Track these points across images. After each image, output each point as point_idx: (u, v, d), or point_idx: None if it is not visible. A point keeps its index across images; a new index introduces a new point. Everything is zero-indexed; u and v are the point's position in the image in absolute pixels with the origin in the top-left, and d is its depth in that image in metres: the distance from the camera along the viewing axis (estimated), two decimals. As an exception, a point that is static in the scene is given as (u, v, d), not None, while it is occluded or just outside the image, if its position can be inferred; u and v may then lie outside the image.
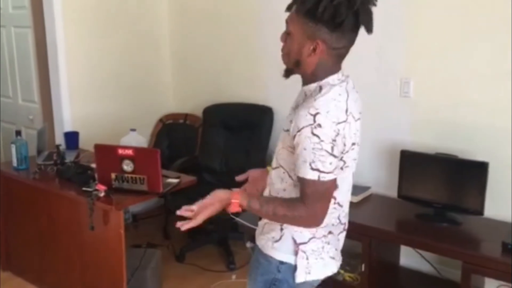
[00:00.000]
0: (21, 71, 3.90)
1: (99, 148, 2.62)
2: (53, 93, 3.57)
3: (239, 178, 1.74)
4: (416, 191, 2.81)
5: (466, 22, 2.73)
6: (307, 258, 1.51)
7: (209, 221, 3.66)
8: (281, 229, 1.52)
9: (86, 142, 3.40)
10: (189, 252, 3.46)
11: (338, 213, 1.55)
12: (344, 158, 1.45)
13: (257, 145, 3.53)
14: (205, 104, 3.81)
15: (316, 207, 1.39)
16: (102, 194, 2.55)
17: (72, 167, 2.87)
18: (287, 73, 1.54)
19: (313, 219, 1.42)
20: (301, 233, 1.50)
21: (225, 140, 3.68)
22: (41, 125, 3.52)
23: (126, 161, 2.55)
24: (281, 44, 1.51)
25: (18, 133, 3.06)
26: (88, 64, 3.66)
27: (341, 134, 1.38)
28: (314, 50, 1.42)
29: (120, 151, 2.55)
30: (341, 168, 1.45)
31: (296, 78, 1.59)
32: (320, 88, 1.45)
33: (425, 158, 2.78)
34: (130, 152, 2.54)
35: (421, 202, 2.79)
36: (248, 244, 3.44)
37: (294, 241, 1.50)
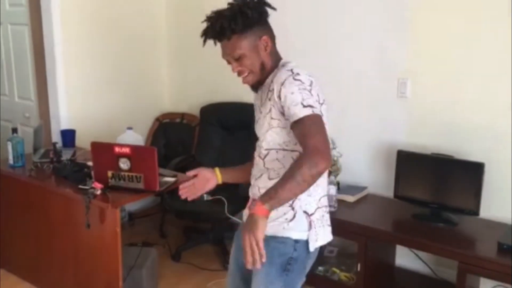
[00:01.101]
0: (17, 69, 3.89)
1: (95, 146, 2.61)
2: (50, 90, 3.56)
3: (189, 173, 1.87)
4: (412, 191, 2.82)
5: (464, 23, 2.74)
6: (315, 227, 1.64)
7: (205, 220, 3.67)
8: (292, 208, 1.62)
9: (83, 140, 3.39)
10: (185, 251, 3.45)
11: (326, 180, 1.73)
12: (322, 112, 1.57)
13: (254, 144, 3.52)
14: (202, 103, 3.81)
15: (320, 140, 1.45)
16: (98, 192, 2.54)
17: (68, 165, 2.86)
18: (257, 85, 1.69)
19: (324, 153, 1.44)
20: (310, 204, 1.63)
21: (221, 140, 3.68)
22: (37, 122, 3.51)
23: (123, 159, 2.55)
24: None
25: (15, 130, 3.05)
26: (85, 62, 3.65)
27: (314, 84, 1.57)
28: (267, 44, 1.63)
29: (117, 149, 2.55)
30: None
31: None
32: (283, 65, 1.65)
33: (422, 159, 2.79)
34: (127, 150, 2.54)
35: (417, 202, 2.80)
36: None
37: (307, 213, 1.62)
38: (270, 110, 1.59)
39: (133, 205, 3.86)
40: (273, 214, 1.55)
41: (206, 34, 1.64)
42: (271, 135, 1.63)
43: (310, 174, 1.42)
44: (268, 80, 1.65)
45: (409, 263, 3.03)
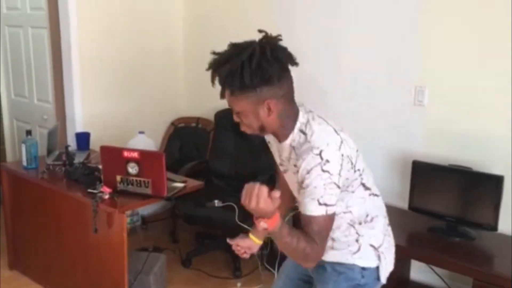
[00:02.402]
0: (37, 71, 3.93)
1: (105, 150, 2.61)
2: (66, 93, 3.59)
3: (230, 241, 1.80)
4: (428, 204, 2.73)
5: (482, 30, 2.64)
6: (385, 258, 1.62)
7: (216, 226, 3.63)
8: (357, 241, 1.59)
9: (98, 143, 3.39)
10: (195, 257, 3.42)
11: (382, 203, 1.68)
12: (357, 168, 1.51)
13: (267, 150, 3.47)
14: (217, 108, 3.78)
15: (323, 243, 1.44)
16: (107, 197, 2.53)
17: (79, 168, 2.86)
18: (260, 134, 1.56)
19: (319, 253, 1.45)
20: (375, 236, 1.61)
21: (235, 144, 3.64)
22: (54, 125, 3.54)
23: (131, 164, 2.53)
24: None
25: (29, 132, 3.07)
26: (101, 65, 3.66)
27: (345, 155, 1.44)
28: (269, 109, 1.45)
29: (126, 154, 2.54)
30: (360, 175, 1.54)
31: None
32: (302, 131, 1.50)
33: (438, 170, 2.69)
34: (135, 155, 2.52)
35: (433, 215, 2.70)
36: (256, 252, 3.39)
37: (373, 247, 1.60)
38: (301, 183, 1.47)
39: (146, 209, 3.85)
40: (337, 245, 1.61)
41: (212, 71, 1.50)
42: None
43: (299, 258, 1.47)
44: (287, 143, 1.52)
45: (424, 278, 2.92)
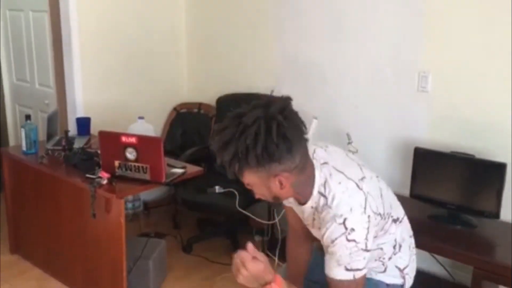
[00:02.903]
0: (38, 56, 3.92)
1: (103, 135, 2.59)
2: (67, 78, 3.57)
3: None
4: (429, 191, 2.69)
5: (488, 16, 2.57)
6: (410, 277, 1.65)
7: (216, 212, 3.62)
8: (383, 264, 1.58)
9: (98, 128, 3.38)
10: (196, 243, 3.42)
11: (407, 225, 1.69)
12: (386, 214, 1.49)
13: None
14: (219, 93, 3.75)
15: None
16: (105, 182, 2.52)
17: (78, 153, 2.85)
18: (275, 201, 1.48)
19: None
20: (402, 258, 1.59)
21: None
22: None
23: (129, 149, 2.51)
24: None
25: (28, 117, 3.06)
26: (102, 50, 3.63)
27: (372, 214, 1.39)
28: (281, 183, 1.35)
29: (124, 139, 2.52)
30: (389, 215, 1.51)
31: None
32: (322, 194, 1.42)
33: (440, 157, 2.64)
34: (133, 140, 2.50)
35: (434, 203, 2.67)
36: (257, 238, 3.38)
37: (399, 269, 1.60)
38: (325, 242, 1.42)
39: (148, 194, 3.85)
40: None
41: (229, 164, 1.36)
42: None
43: None
44: (309, 205, 1.45)
45: (426, 266, 2.90)
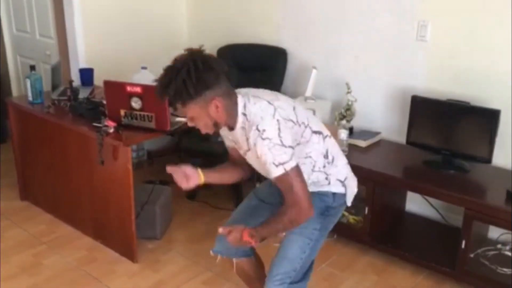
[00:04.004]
0: (37, 6, 3.89)
1: (108, 84, 2.65)
2: (68, 28, 3.58)
3: (169, 170, 1.92)
4: (425, 138, 2.78)
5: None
6: (350, 186, 1.91)
7: (218, 160, 3.71)
8: (327, 179, 1.85)
9: (101, 79, 3.42)
10: (200, 191, 3.53)
11: (334, 141, 1.91)
12: (300, 122, 1.74)
13: (270, 86, 3.45)
14: (219, 44, 3.77)
15: (296, 195, 1.65)
16: (111, 130, 2.60)
17: (84, 103, 2.92)
18: (215, 133, 1.81)
19: (302, 207, 1.67)
20: (340, 172, 1.88)
21: (238, 81, 3.66)
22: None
23: (135, 99, 2.58)
24: None
25: (33, 67, 3.10)
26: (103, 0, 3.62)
27: (281, 120, 1.66)
28: (217, 107, 1.67)
29: (129, 88, 2.58)
30: (306, 126, 1.75)
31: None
32: (244, 114, 1.71)
33: (436, 104, 2.72)
34: (138, 89, 2.56)
35: (429, 149, 2.77)
36: (258, 185, 3.50)
37: (340, 181, 1.88)
38: (258, 157, 1.68)
39: (152, 143, 3.94)
40: (311, 185, 1.82)
41: (160, 96, 1.68)
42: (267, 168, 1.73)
43: (290, 226, 1.73)
44: (238, 127, 1.73)
45: (419, 209, 3.04)
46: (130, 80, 3.24)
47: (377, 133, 3.07)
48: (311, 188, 1.80)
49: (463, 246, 2.42)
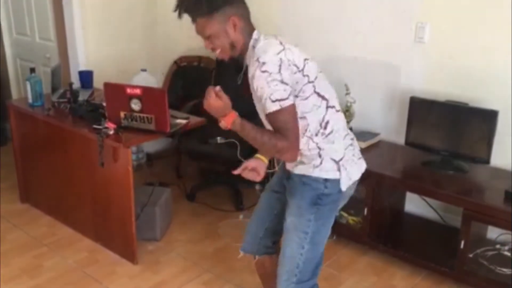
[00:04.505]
0: (37, 8, 3.91)
1: (108, 86, 2.66)
2: (68, 31, 3.59)
3: (236, 172, 1.90)
4: (424, 139, 2.80)
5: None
6: (345, 169, 1.75)
7: (218, 162, 3.74)
8: (319, 155, 1.73)
9: (101, 81, 3.44)
10: (199, 192, 3.55)
11: (342, 118, 1.82)
12: (305, 73, 1.66)
13: None
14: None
15: (289, 135, 1.60)
16: (111, 132, 2.61)
17: (84, 105, 2.93)
18: (233, 61, 1.78)
19: (292, 148, 1.62)
20: (336, 151, 1.74)
21: (237, 83, 3.67)
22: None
23: (134, 100, 2.59)
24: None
25: (33, 70, 3.11)
26: (103, 2, 3.63)
27: (284, 59, 1.60)
28: (235, 26, 1.66)
29: (129, 90, 2.59)
30: (311, 82, 1.68)
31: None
32: (253, 46, 1.70)
33: (435, 105, 2.74)
34: (138, 91, 2.58)
35: (428, 150, 2.78)
36: (257, 187, 3.52)
37: (334, 160, 1.73)
38: (255, 91, 1.65)
39: (151, 146, 3.95)
40: (303, 159, 1.75)
41: (178, 9, 1.67)
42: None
43: (273, 153, 1.69)
44: (246, 60, 1.72)
45: (418, 210, 3.04)
46: (130, 83, 3.27)
47: (376, 134, 3.08)
48: (302, 169, 1.75)
49: (462, 246, 2.43)
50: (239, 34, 1.68)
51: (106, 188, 2.75)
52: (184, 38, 4.17)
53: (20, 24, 4.13)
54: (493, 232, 2.71)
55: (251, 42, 1.70)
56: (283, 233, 1.86)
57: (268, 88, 1.57)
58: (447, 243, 2.69)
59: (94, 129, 2.66)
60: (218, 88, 1.62)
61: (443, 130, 2.74)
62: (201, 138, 3.35)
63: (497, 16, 2.61)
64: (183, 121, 2.84)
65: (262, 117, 1.74)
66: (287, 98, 1.59)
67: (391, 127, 3.11)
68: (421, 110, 2.79)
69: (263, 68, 1.58)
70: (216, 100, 1.60)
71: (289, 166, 1.83)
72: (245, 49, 1.71)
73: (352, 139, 1.84)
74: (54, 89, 3.22)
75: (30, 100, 3.07)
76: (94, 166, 2.70)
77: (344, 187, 1.76)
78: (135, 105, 2.60)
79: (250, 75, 1.65)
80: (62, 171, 3.01)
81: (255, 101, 1.75)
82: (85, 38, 3.58)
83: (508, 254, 2.60)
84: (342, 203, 1.88)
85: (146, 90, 2.58)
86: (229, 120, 1.61)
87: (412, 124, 2.81)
